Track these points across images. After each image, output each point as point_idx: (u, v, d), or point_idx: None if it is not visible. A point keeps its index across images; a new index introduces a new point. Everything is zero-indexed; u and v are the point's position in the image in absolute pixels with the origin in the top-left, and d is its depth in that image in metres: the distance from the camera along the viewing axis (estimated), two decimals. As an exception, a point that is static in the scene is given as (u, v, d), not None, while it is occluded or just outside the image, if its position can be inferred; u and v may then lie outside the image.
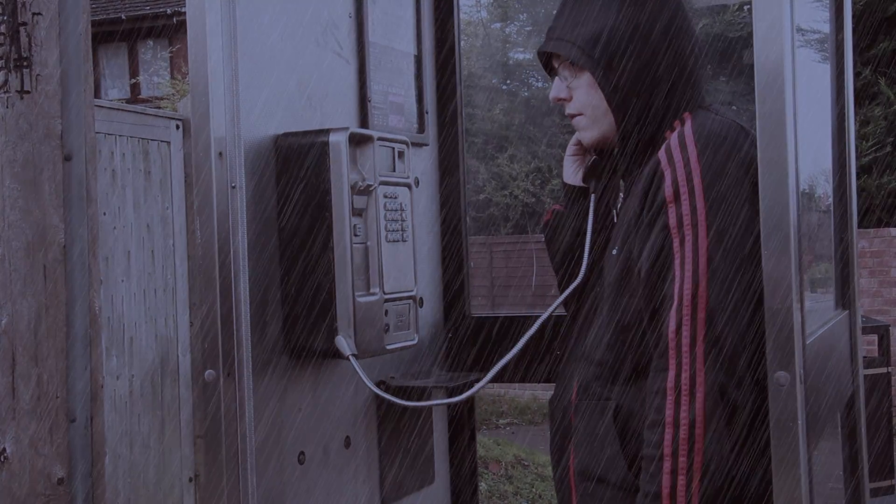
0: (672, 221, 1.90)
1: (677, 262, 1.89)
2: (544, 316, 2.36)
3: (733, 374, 1.84)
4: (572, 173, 2.32)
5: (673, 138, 1.97)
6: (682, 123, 2.02)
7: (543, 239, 2.44)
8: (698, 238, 1.87)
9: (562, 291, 2.31)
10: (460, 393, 2.51)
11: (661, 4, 2.07)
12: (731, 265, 1.87)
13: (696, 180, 1.90)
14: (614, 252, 2.08)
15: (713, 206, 1.88)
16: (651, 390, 1.89)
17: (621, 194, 2.17)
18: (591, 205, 2.25)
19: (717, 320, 1.84)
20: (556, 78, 2.18)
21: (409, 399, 2.55)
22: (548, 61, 2.21)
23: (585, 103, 2.13)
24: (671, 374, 1.85)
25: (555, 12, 2.20)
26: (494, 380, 2.46)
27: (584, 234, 2.25)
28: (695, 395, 1.82)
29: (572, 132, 2.29)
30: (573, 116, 2.17)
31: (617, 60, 2.05)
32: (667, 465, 1.83)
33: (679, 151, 1.94)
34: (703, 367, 1.82)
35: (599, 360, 2.09)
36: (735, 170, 1.91)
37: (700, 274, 1.86)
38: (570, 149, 2.33)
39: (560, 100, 2.17)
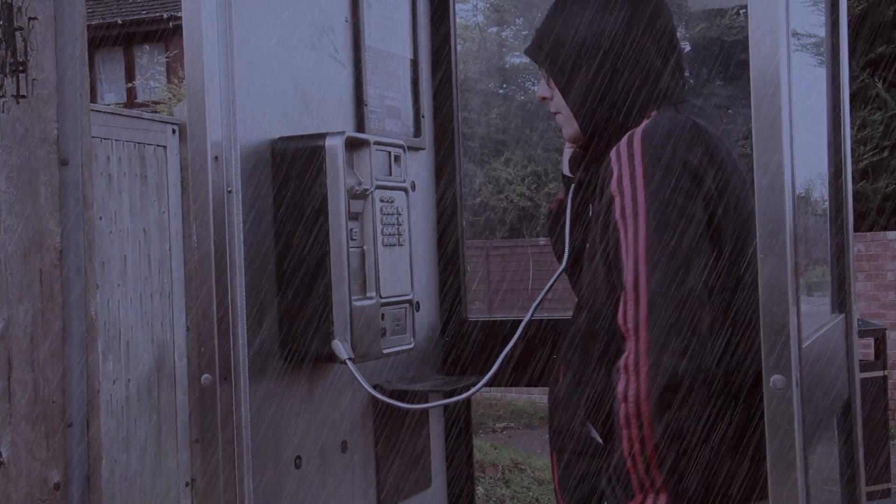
0: (617, 213, 2.01)
1: (622, 250, 1.99)
2: (537, 301, 2.46)
3: (679, 353, 1.92)
4: (568, 165, 2.45)
5: (625, 137, 2.07)
6: (635, 126, 2.12)
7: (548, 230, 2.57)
8: (638, 226, 1.97)
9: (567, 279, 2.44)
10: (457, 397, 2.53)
11: (629, 10, 2.19)
12: (672, 251, 1.95)
13: (638, 173, 2.00)
14: (588, 246, 2.22)
15: (651, 197, 1.98)
16: (615, 367, 2.00)
17: (598, 193, 2.27)
18: (570, 195, 2.38)
19: (658, 303, 1.93)
20: (543, 79, 2.33)
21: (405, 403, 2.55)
22: None
23: (560, 103, 2.28)
24: (624, 354, 1.96)
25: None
26: (494, 383, 2.50)
27: (574, 223, 2.39)
28: (639, 374, 1.92)
29: None
30: (554, 114, 2.32)
31: (575, 66, 2.21)
32: (624, 433, 1.95)
33: (626, 149, 2.04)
34: (646, 347, 1.92)
35: (579, 345, 2.20)
36: (678, 166, 2.00)
37: (640, 259, 1.96)
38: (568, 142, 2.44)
39: (544, 98, 2.32)
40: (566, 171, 2.44)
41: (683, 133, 2.05)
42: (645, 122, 2.10)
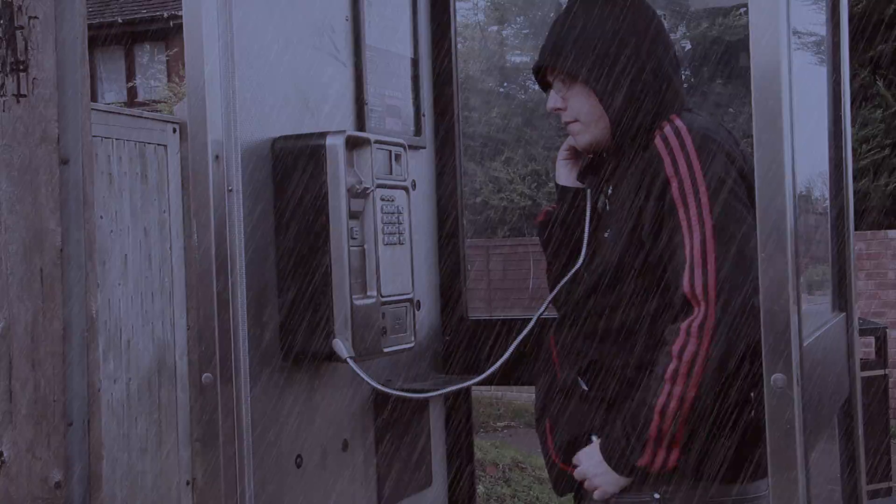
0: (675, 192, 2.16)
1: (684, 225, 2.14)
2: (550, 297, 2.50)
3: (745, 323, 2.05)
4: (565, 175, 2.51)
5: (667, 129, 2.22)
6: (670, 123, 2.25)
7: (537, 237, 2.61)
8: (701, 203, 2.13)
9: (555, 281, 2.50)
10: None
11: (642, 19, 2.32)
12: (733, 226, 2.12)
13: (693, 157, 2.16)
14: (607, 235, 2.31)
15: (709, 178, 2.14)
16: (672, 328, 2.14)
17: (609, 188, 2.37)
18: (588, 199, 2.45)
19: (727, 274, 2.08)
20: (552, 90, 2.38)
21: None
22: (542, 76, 2.42)
23: (580, 111, 2.34)
24: (690, 318, 2.10)
25: (546, 32, 2.41)
26: (495, 382, 2.52)
27: (575, 228, 2.47)
28: (702, 338, 2.06)
29: (567, 136, 2.45)
30: (568, 123, 2.38)
31: (608, 70, 2.28)
32: (665, 387, 2.09)
33: (675, 138, 2.20)
34: (714, 314, 2.06)
35: (583, 324, 2.31)
36: (721, 153, 2.18)
37: (707, 231, 2.11)
38: (563, 153, 2.52)
39: (557, 109, 2.38)
40: (565, 182, 2.50)
41: (715, 128, 2.25)
42: (678, 120, 2.23)
